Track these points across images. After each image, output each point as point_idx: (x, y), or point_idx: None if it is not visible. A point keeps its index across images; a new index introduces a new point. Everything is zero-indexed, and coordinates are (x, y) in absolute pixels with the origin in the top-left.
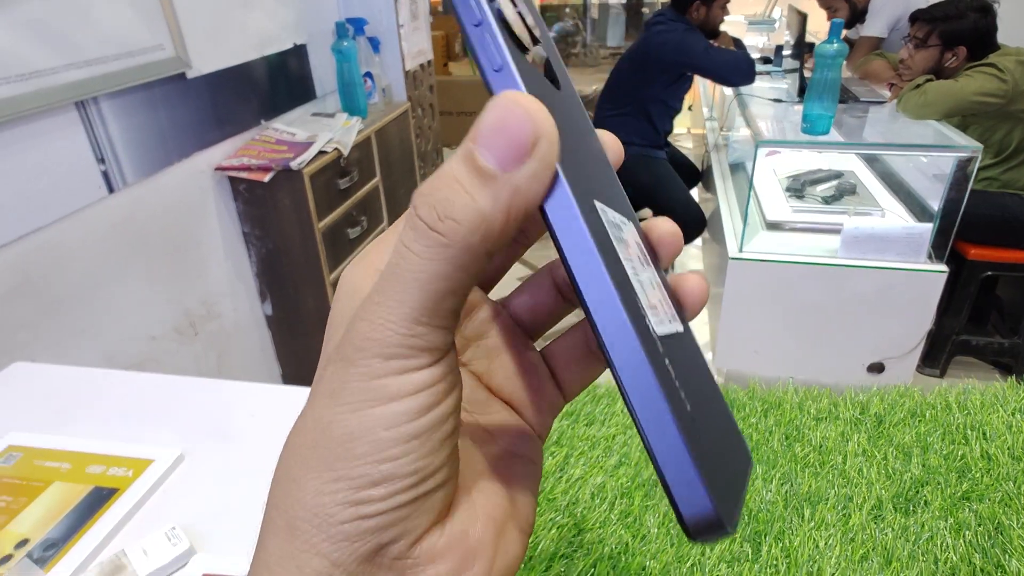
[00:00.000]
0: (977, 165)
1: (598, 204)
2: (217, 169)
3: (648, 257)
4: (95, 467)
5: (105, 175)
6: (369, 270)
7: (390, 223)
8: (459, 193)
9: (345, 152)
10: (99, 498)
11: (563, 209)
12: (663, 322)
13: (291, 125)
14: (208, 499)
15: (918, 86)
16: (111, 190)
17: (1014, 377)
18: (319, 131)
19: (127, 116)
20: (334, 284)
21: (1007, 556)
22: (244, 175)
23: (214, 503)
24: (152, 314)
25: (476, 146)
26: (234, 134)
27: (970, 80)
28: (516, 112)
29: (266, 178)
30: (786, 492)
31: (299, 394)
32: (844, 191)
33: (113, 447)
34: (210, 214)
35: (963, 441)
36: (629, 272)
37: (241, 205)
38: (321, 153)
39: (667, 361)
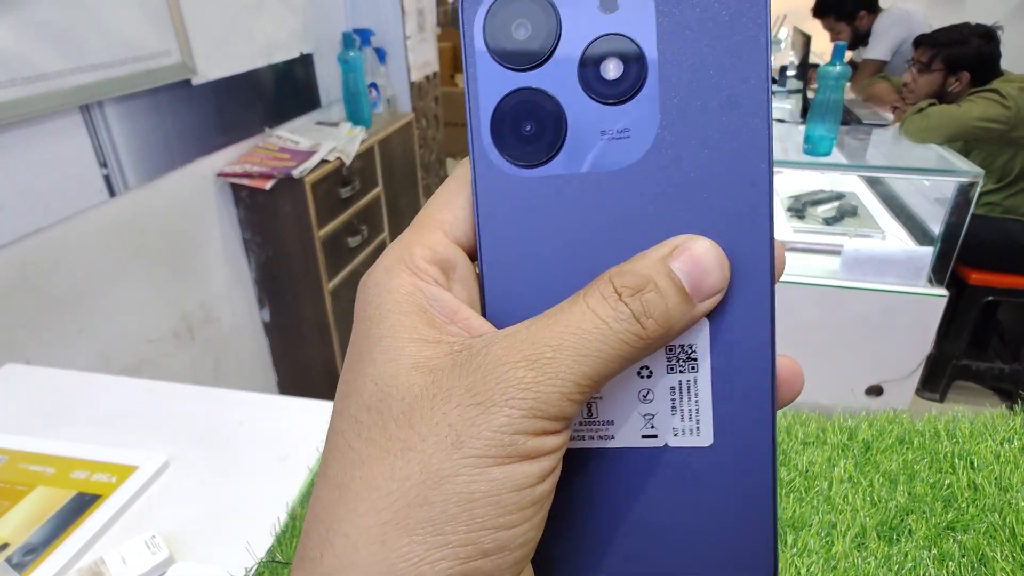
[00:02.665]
0: (979, 190)
1: None
2: (219, 175)
3: (679, 357)
4: (79, 472)
5: (107, 179)
6: (404, 278)
7: (391, 233)
8: (660, 300)
9: (347, 161)
10: (81, 504)
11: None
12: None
13: (295, 133)
14: (191, 507)
15: (921, 110)
16: (112, 193)
17: (1005, 406)
18: (322, 140)
19: (131, 121)
20: (333, 292)
21: None
22: (246, 182)
23: (197, 511)
24: (150, 318)
25: (683, 274)
26: (238, 141)
27: (973, 105)
28: (719, 263)
29: (268, 185)
30: None
31: (289, 404)
32: (845, 212)
33: (99, 452)
34: (211, 220)
35: (950, 470)
36: None
37: (242, 211)
38: (324, 162)
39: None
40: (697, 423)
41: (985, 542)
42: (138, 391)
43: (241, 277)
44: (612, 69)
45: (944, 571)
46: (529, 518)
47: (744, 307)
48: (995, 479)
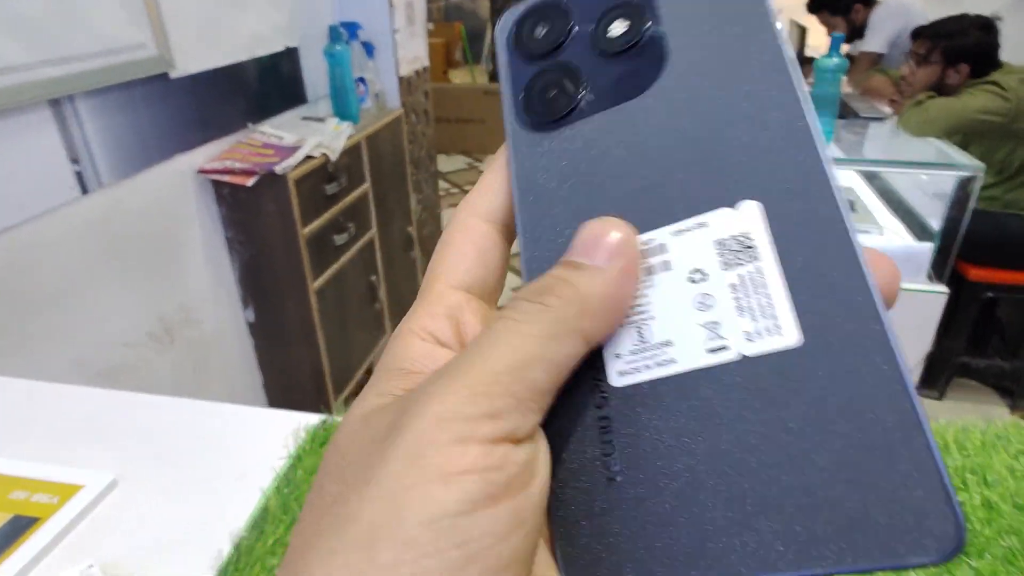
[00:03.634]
0: (979, 184)
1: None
2: (200, 172)
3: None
4: (18, 493)
5: (79, 175)
6: (403, 340)
7: (379, 230)
8: (556, 279)
9: (333, 157)
10: (16, 528)
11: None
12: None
13: (279, 129)
14: (137, 532)
15: (919, 103)
16: (85, 191)
17: (1006, 404)
18: (308, 135)
19: (105, 116)
20: (318, 292)
21: None
22: (227, 179)
23: (143, 537)
24: (126, 320)
25: (574, 250)
26: (219, 136)
27: (972, 98)
28: (609, 224)
29: (249, 182)
30: None
31: (254, 415)
32: None
33: (42, 470)
34: (191, 218)
35: (962, 486)
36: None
37: (224, 209)
38: (309, 158)
39: (604, 419)
40: (775, 319)
41: (1003, 568)
42: (91, 402)
43: (223, 277)
44: (618, 26)
45: None
46: (458, 566)
47: (793, 172)
48: (1011, 496)
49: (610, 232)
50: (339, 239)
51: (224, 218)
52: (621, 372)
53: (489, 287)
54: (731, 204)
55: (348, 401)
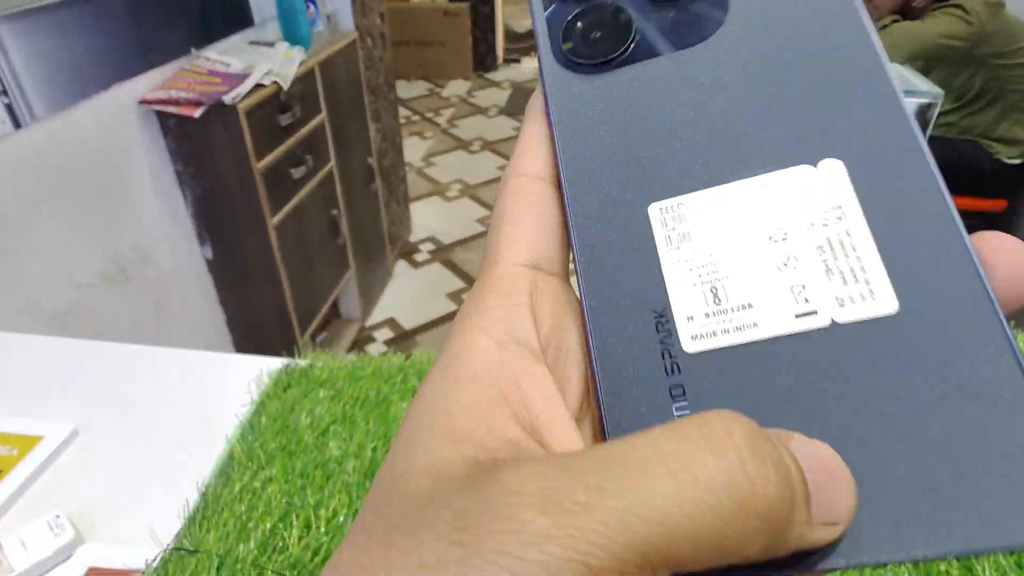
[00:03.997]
0: (938, 111)
1: (664, 201)
2: (142, 102)
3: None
4: None
5: (8, 108)
6: (482, 345)
7: (338, 162)
8: (785, 472)
9: (285, 85)
10: None
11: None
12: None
13: (225, 55)
14: (102, 482)
15: (884, 27)
16: (17, 125)
17: None
18: (256, 62)
19: (30, 41)
20: (277, 227)
21: None
22: (172, 109)
23: (109, 486)
24: (76, 260)
25: (808, 472)
26: (161, 63)
27: (936, 21)
28: (848, 484)
29: (196, 113)
30: None
31: (214, 359)
32: None
33: (0, 423)
34: (137, 151)
35: None
36: (668, 266)
37: (172, 142)
38: (259, 86)
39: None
40: (868, 284)
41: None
42: (47, 350)
43: (177, 213)
44: None
45: None
46: None
47: (879, 131)
48: None
49: (847, 495)
50: (296, 172)
51: (172, 151)
52: (695, 336)
53: (554, 253)
54: (811, 162)
55: (315, 337)
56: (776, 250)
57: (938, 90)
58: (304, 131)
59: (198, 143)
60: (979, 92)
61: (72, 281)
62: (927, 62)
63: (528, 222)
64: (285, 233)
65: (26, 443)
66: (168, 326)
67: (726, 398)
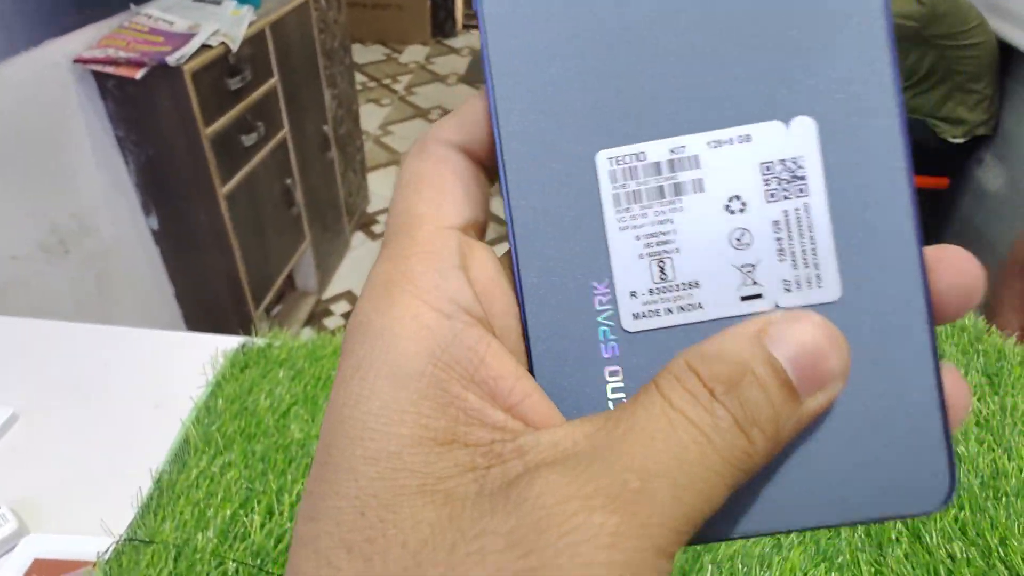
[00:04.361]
0: None
1: (615, 150)
2: (76, 62)
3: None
4: None
5: None
6: (409, 314)
7: (292, 129)
8: (764, 399)
9: (234, 47)
10: None
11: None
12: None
13: (168, 12)
14: (47, 468)
15: None
16: None
17: None
18: (202, 20)
19: None
20: (228, 197)
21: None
22: (111, 70)
23: (54, 473)
24: (10, 232)
25: (789, 363)
26: (96, 19)
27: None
28: (837, 347)
29: (138, 75)
30: None
31: (165, 338)
32: None
33: None
34: (72, 115)
35: None
36: (612, 233)
37: (111, 105)
38: (205, 47)
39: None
40: (816, 269)
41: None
42: None
43: (119, 181)
44: None
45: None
46: None
47: (861, 93)
48: None
49: (835, 356)
50: (247, 140)
51: (112, 115)
52: (636, 315)
53: (481, 219)
54: (783, 119)
55: (269, 310)
56: (732, 222)
57: None
58: (255, 96)
59: (141, 107)
60: (927, 72)
61: (6, 254)
62: None
63: (453, 188)
64: (236, 203)
65: None
66: (113, 300)
67: None
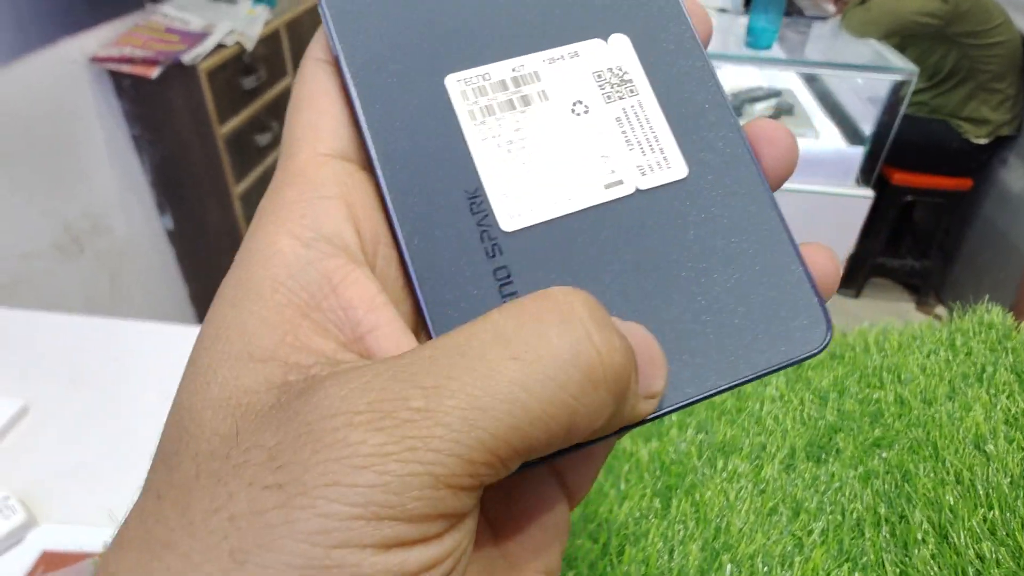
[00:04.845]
0: (912, 89)
1: (461, 73)
2: (93, 60)
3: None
4: None
5: None
6: (285, 245)
7: None
8: (622, 345)
9: (249, 46)
10: None
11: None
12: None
13: (184, 11)
14: (56, 460)
15: (863, 2)
16: None
17: (922, 309)
18: (218, 20)
19: None
20: (242, 196)
21: (911, 506)
22: (127, 69)
23: (62, 465)
24: (24, 229)
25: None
26: (113, 18)
27: None
28: (662, 364)
29: (153, 73)
30: (700, 441)
31: (173, 332)
32: (782, 111)
33: None
34: (88, 113)
35: (879, 384)
36: (472, 138)
37: (127, 104)
38: (220, 46)
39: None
40: (662, 153)
41: (908, 458)
42: None
43: (134, 180)
44: None
45: (869, 490)
46: None
47: (657, 8)
48: (920, 392)
49: (661, 376)
50: (262, 139)
51: (127, 114)
52: (512, 215)
53: (359, 154)
54: (603, 36)
55: None
56: (580, 123)
57: (912, 67)
58: (270, 95)
59: (156, 106)
60: (950, 71)
61: (19, 252)
62: (902, 39)
63: (330, 108)
64: (251, 203)
65: None
66: (126, 299)
67: (550, 273)
